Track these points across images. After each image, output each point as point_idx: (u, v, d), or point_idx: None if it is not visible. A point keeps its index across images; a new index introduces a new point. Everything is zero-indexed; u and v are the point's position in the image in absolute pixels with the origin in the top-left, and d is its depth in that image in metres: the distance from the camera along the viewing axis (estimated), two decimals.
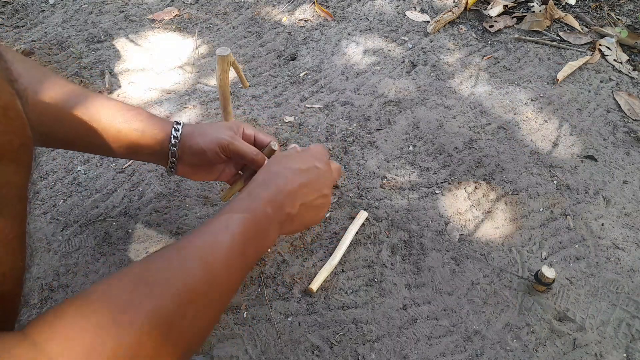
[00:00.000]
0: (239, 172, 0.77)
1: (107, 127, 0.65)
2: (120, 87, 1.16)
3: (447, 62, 1.24)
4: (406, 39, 1.30)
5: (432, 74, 1.20)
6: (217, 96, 1.10)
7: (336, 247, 0.84)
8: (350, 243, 0.85)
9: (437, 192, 0.95)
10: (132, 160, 0.98)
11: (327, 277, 0.81)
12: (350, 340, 0.75)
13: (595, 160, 1.02)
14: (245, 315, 0.77)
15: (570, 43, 1.31)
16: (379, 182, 0.96)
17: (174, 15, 1.38)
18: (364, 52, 1.26)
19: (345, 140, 1.04)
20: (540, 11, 1.38)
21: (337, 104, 1.12)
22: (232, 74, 0.84)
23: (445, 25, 1.34)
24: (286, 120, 1.08)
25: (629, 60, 1.26)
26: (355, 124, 1.08)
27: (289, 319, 0.77)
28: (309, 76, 1.19)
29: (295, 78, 1.19)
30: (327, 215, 0.90)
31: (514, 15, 1.38)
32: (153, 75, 1.19)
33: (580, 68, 1.23)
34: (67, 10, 1.38)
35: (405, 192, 0.95)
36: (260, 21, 1.35)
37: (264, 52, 1.26)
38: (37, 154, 0.40)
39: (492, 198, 0.94)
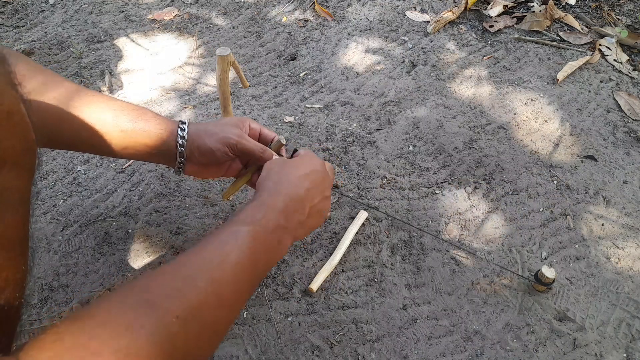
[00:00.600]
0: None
1: (112, 127, 0.64)
2: (120, 87, 1.16)
3: (447, 62, 1.24)
4: (406, 39, 1.30)
5: (432, 74, 1.20)
6: (217, 96, 1.10)
7: (336, 247, 0.84)
8: (350, 243, 0.85)
9: (437, 192, 0.95)
10: (132, 160, 0.98)
11: (327, 277, 0.81)
12: (350, 340, 0.75)
13: (595, 160, 1.02)
14: (245, 315, 0.77)
15: (570, 43, 1.31)
16: (379, 182, 0.96)
17: (174, 15, 1.38)
18: (364, 52, 1.26)
19: (345, 140, 1.04)
20: (540, 11, 1.37)
21: (337, 104, 1.12)
22: (232, 74, 0.84)
23: (445, 25, 1.34)
24: (286, 120, 1.08)
25: (629, 60, 1.26)
26: (355, 124, 1.08)
27: (289, 318, 0.77)
28: (309, 76, 1.19)
29: (295, 78, 1.19)
30: (328, 215, 0.90)
31: (514, 15, 1.38)
32: (153, 75, 1.19)
33: (580, 68, 1.23)
34: (67, 10, 1.38)
35: (405, 192, 0.95)
36: (260, 21, 1.35)
37: (264, 52, 1.26)
38: (39, 156, 0.39)
39: (492, 198, 0.94)
